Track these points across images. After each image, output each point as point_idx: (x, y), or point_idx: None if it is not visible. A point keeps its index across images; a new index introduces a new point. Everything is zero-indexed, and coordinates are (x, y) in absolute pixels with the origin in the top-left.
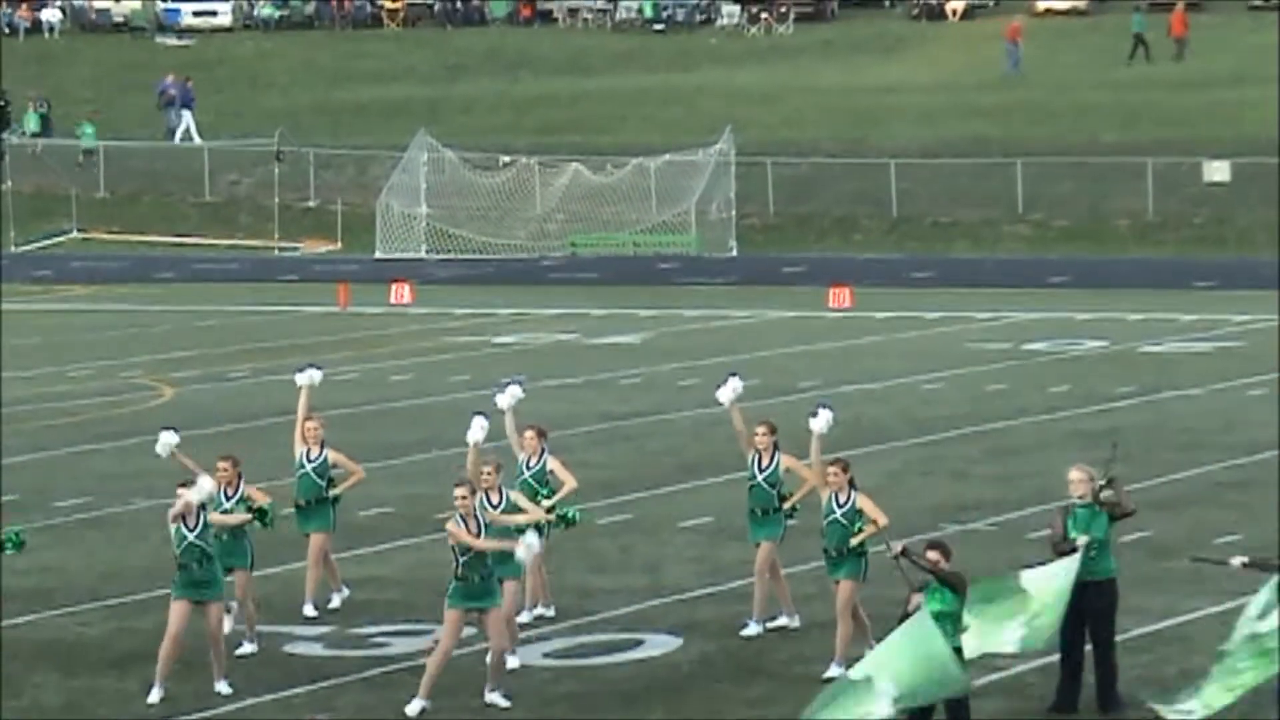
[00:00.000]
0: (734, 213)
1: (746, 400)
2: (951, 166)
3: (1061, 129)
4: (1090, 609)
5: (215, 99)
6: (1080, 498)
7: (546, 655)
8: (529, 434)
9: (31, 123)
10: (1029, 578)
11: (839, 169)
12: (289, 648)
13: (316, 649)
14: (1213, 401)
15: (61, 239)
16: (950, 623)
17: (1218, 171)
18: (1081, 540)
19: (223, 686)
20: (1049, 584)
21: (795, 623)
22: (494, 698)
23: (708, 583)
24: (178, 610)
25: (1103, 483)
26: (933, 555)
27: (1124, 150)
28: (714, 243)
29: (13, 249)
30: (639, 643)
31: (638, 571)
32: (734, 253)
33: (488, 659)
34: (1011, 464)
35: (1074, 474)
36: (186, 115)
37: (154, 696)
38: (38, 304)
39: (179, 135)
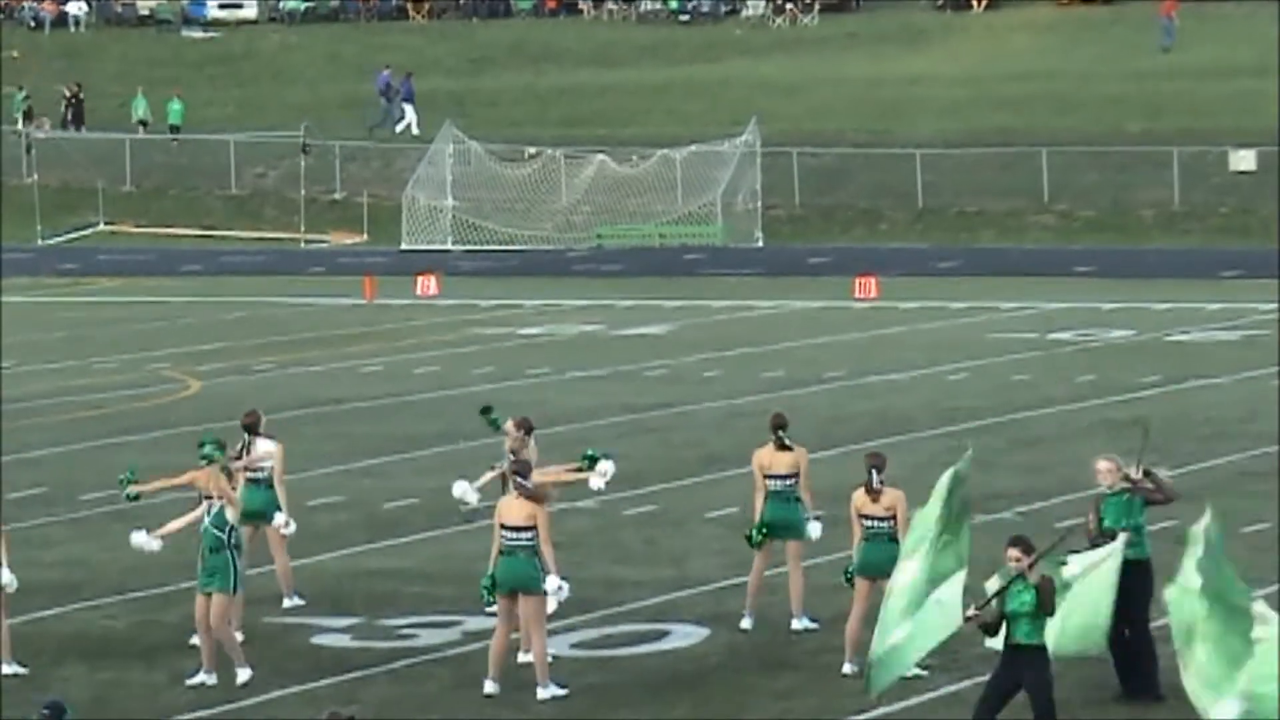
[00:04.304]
0: (759, 204)
1: (772, 391)
2: (977, 157)
3: (1086, 119)
4: (1124, 588)
5: (240, 92)
6: (1109, 487)
7: (573, 646)
8: (508, 424)
9: (174, 114)
10: (1076, 576)
11: (864, 160)
12: (316, 639)
13: (343, 640)
14: (1238, 391)
15: (88, 232)
16: (1028, 622)
17: (1244, 160)
18: (1123, 537)
19: (241, 674)
20: (1094, 586)
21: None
22: (544, 695)
23: (734, 574)
24: (197, 601)
25: (1136, 475)
26: (1013, 553)
27: (1149, 139)
28: (740, 234)
29: (40, 242)
30: (665, 634)
31: (663, 563)
32: (760, 243)
33: (524, 654)
34: (1037, 454)
35: (1101, 464)
36: (409, 109)
37: (192, 679)
38: (65, 297)
39: (400, 128)
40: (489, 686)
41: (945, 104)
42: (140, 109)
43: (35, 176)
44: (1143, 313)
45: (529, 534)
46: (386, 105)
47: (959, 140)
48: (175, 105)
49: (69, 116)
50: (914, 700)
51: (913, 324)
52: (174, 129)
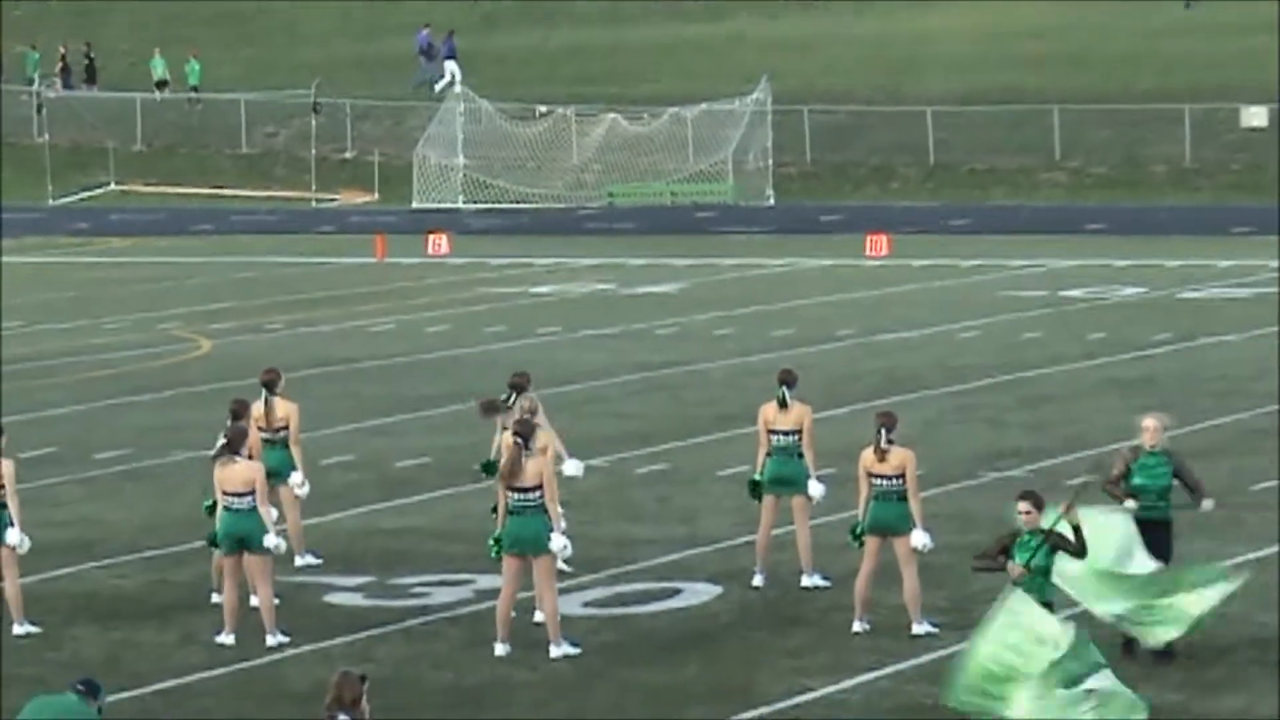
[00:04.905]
0: (771, 161)
1: (783, 349)
2: (988, 114)
3: (1098, 76)
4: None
5: (251, 51)
6: (1151, 447)
7: (585, 605)
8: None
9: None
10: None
11: (876, 117)
12: (329, 598)
13: (356, 599)
14: (1249, 348)
15: (99, 192)
16: (1043, 577)
17: (1255, 117)
18: (1131, 504)
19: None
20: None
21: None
22: (557, 653)
23: (745, 532)
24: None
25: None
26: (1023, 506)
27: (1161, 96)
28: (751, 192)
29: (51, 202)
30: (677, 592)
31: (675, 521)
32: (771, 201)
33: (537, 616)
34: (1047, 411)
35: (1149, 421)
36: (450, 65)
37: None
38: (76, 257)
39: (440, 86)
40: (499, 649)
41: (956, 61)
42: (159, 69)
43: (46, 136)
44: (1153, 270)
45: (537, 494)
46: (427, 64)
47: (970, 97)
48: (194, 65)
49: (69, 76)
50: (925, 658)
51: (924, 282)
52: (194, 89)
